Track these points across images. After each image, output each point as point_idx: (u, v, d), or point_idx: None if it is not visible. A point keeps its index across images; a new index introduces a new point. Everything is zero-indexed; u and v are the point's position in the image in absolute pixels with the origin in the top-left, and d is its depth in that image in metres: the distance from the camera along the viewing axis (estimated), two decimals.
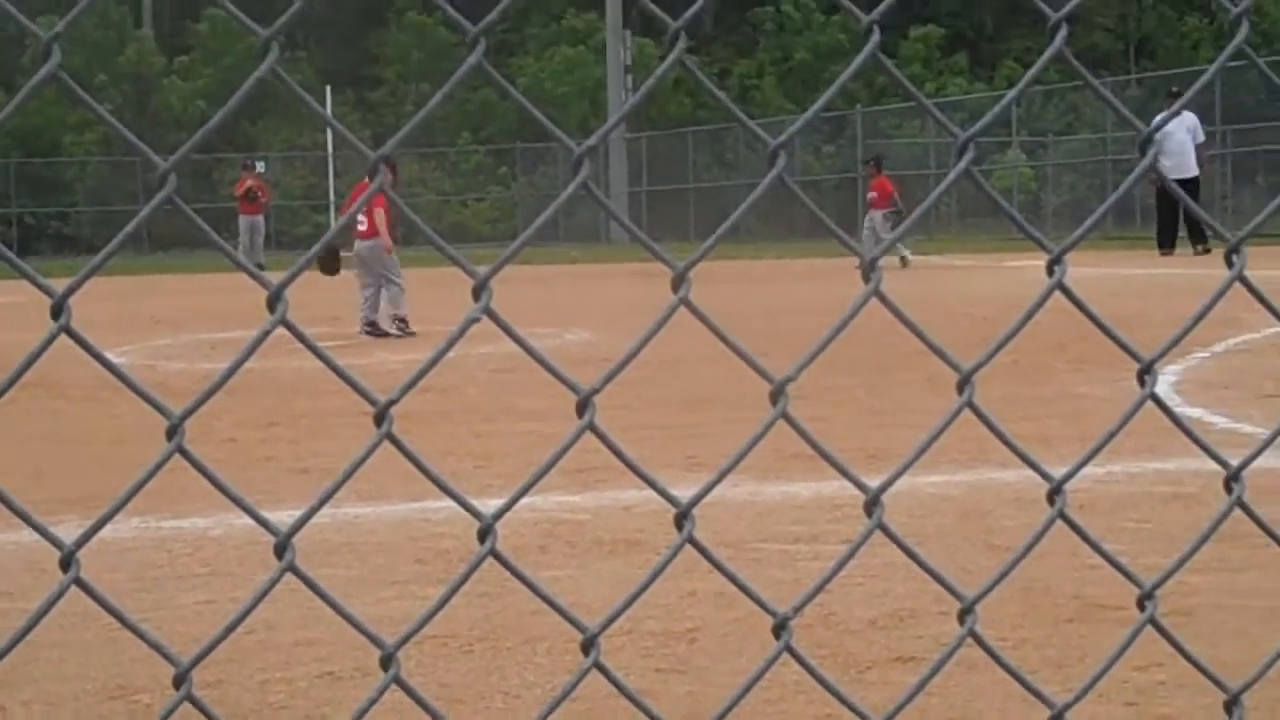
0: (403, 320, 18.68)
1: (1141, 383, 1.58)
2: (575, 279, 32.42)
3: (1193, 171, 31.49)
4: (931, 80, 59.17)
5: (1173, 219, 32.00)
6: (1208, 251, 29.05)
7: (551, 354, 1.58)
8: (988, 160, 49.89)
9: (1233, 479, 1.61)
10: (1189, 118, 31.87)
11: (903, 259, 32.20)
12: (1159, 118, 31.13)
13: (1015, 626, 5.41)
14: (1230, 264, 1.60)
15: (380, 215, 18.44)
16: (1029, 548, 1.59)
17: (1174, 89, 33.08)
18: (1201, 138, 32.39)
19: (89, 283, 1.41)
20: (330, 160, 55.75)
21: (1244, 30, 1.58)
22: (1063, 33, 1.52)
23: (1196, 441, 1.61)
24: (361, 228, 18.58)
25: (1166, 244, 32.44)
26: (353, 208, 20.25)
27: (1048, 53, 1.56)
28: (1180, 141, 31.26)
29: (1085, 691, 1.66)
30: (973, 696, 4.67)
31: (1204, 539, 1.64)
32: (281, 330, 1.39)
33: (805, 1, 60.48)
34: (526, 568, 3.22)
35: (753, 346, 1.58)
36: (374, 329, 18.69)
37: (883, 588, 5.81)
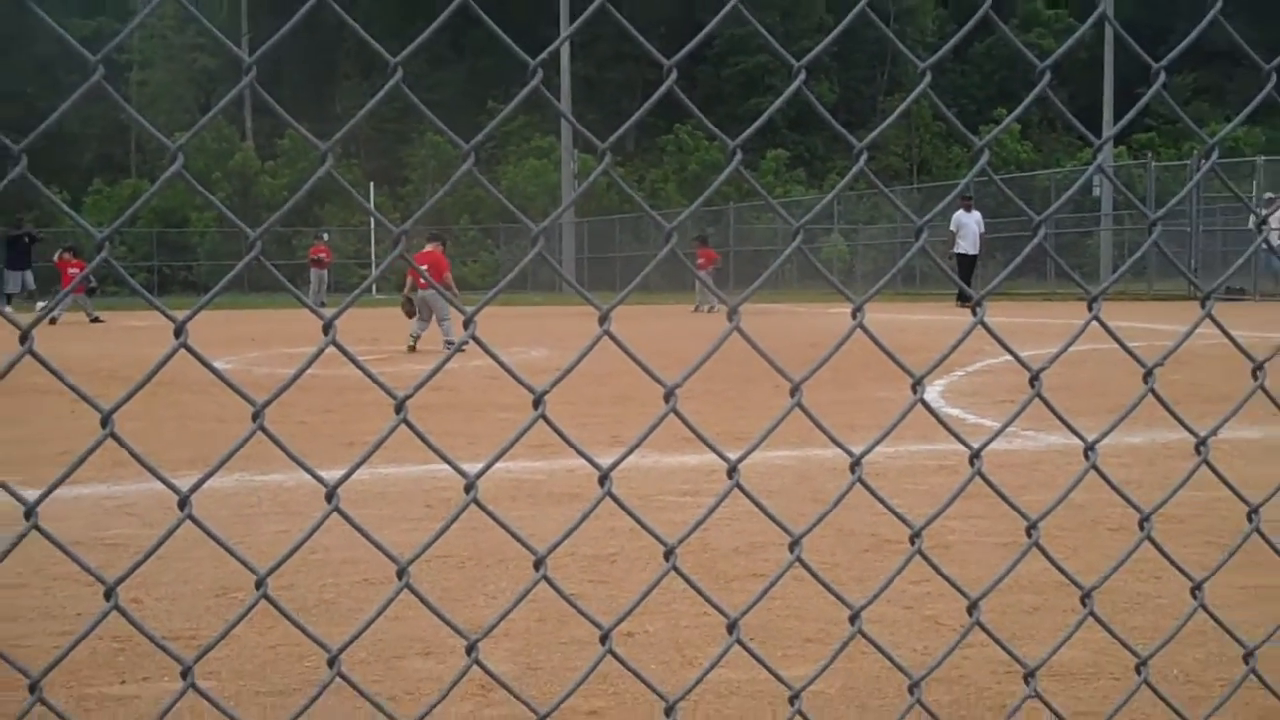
0: (450, 341, 18.74)
1: (914, 391, 1.58)
2: (538, 317, 32.32)
3: (977, 251, 32.06)
4: (780, 186, 59.41)
5: (969, 283, 32.28)
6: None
7: (519, 367, 1.58)
8: (817, 240, 50.11)
9: (975, 456, 1.62)
10: (977, 214, 32.38)
11: (710, 308, 33.03)
12: (958, 212, 31.76)
13: (830, 554, 5.44)
14: (974, 313, 1.60)
15: (437, 273, 18.58)
16: (838, 501, 1.59)
17: (968, 195, 33.30)
18: (983, 229, 32.80)
19: (206, 313, 1.41)
20: (372, 234, 56.56)
21: (985, 157, 1.59)
22: (864, 158, 1.53)
23: (950, 431, 1.61)
24: (423, 281, 18.58)
25: (965, 300, 32.61)
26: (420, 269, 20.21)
27: (853, 170, 1.57)
28: (973, 231, 31.74)
29: (875, 597, 1.66)
30: (801, 601, 4.70)
31: (955, 496, 1.65)
32: (334, 347, 1.39)
33: (695, 132, 60.61)
34: (500, 511, 3.21)
35: (654, 363, 1.58)
36: (413, 347, 18.64)
37: (742, 527, 5.84)
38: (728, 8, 1.42)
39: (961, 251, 31.66)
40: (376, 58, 1.49)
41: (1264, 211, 1.85)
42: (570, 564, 5.39)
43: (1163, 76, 1.65)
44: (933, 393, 11.69)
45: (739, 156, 1.51)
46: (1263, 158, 38.97)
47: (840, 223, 51.78)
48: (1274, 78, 1.74)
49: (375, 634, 4.39)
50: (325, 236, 49.11)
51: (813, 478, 7.35)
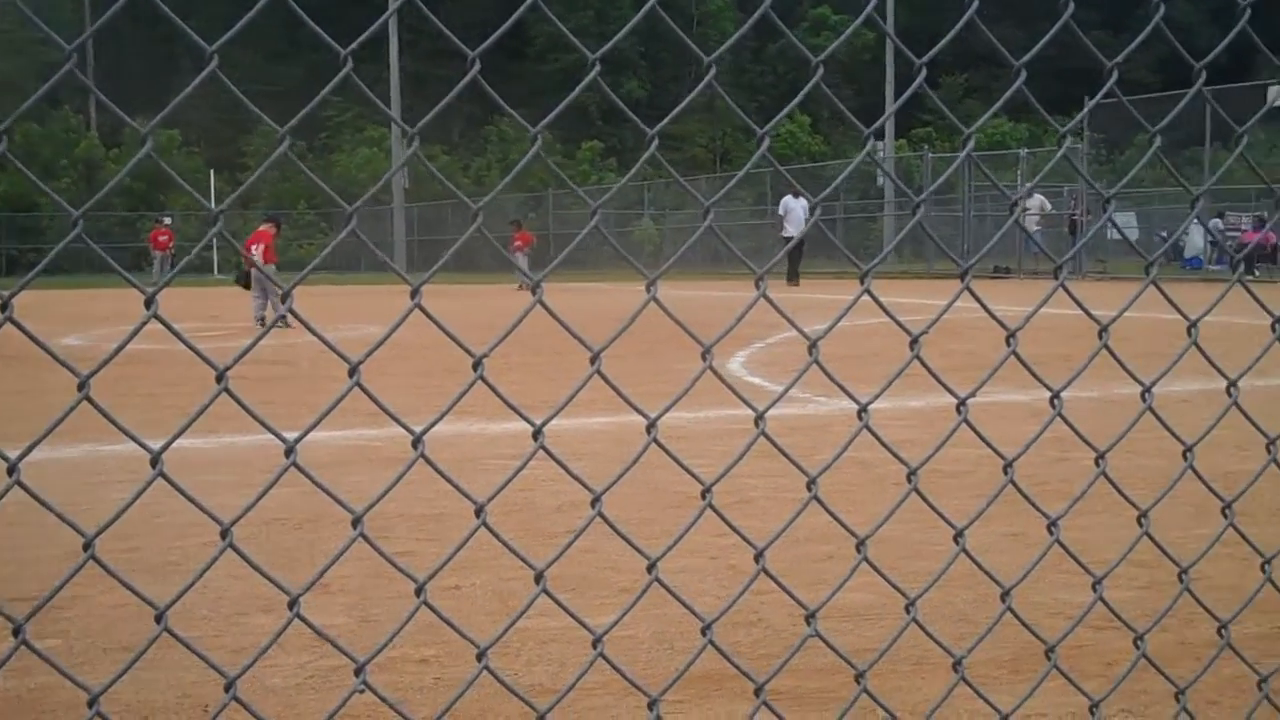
0: (283, 317, 18.41)
1: (703, 359, 1.58)
2: (373, 295, 31.87)
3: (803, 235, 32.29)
4: (595, 175, 59.48)
5: (796, 264, 32.35)
6: (798, 286, 29.69)
7: (354, 341, 1.55)
8: (630, 224, 50.38)
9: (759, 418, 1.62)
10: (804, 200, 32.48)
11: (520, 286, 32.78)
12: (786, 198, 31.95)
13: (639, 510, 5.46)
14: (757, 287, 1.60)
15: (259, 249, 18.72)
16: (635, 461, 1.59)
17: (797, 186, 33.47)
18: (809, 215, 32.93)
19: (63, 292, 1.36)
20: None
21: (765, 144, 1.59)
22: (655, 145, 1.52)
23: (739, 396, 1.62)
24: (256, 257, 18.72)
25: (793, 279, 32.65)
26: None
27: (644, 157, 1.56)
28: (799, 216, 31.91)
29: (670, 548, 1.66)
30: (618, 555, 4.71)
31: (741, 456, 1.65)
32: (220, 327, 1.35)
33: (516, 124, 60.21)
34: (338, 476, 3.20)
35: (476, 335, 1.56)
36: (262, 322, 18.47)
37: (561, 487, 5.81)
38: (526, 5, 1.40)
39: (788, 235, 31.92)
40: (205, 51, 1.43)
41: (1015, 196, 1.89)
42: (400, 524, 5.34)
43: (924, 73, 1.67)
44: (735, 363, 11.81)
45: (539, 143, 1.49)
46: (1025, 150, 40.14)
47: (650, 208, 52.07)
48: (1023, 74, 1.77)
49: (218, 593, 4.31)
50: (167, 220, 48.10)
51: (628, 441, 7.36)
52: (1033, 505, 1.84)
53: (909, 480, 1.76)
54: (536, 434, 1.50)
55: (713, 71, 1.53)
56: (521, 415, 1.49)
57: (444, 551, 4.89)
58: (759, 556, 1.66)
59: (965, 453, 5.84)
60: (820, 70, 1.61)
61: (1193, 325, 1.86)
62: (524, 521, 5.37)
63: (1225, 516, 1.96)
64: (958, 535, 1.81)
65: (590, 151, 61.57)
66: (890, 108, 1.85)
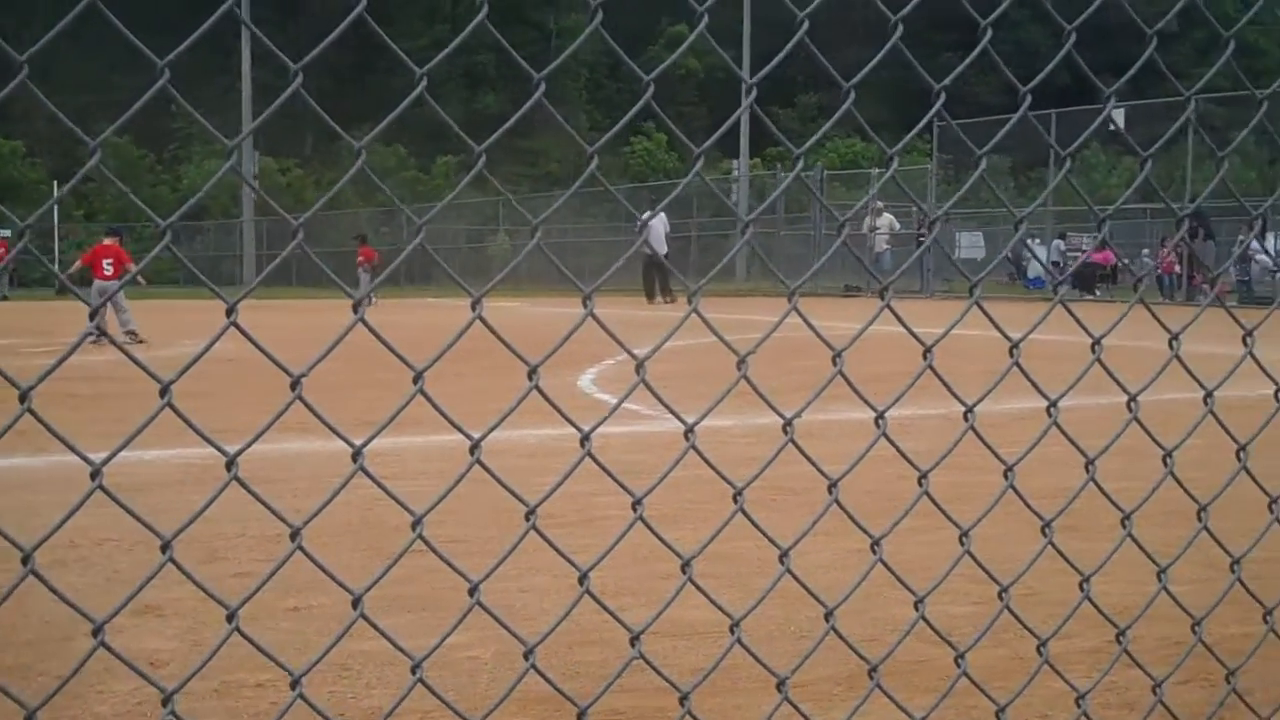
0: (132, 332, 17.95)
1: (529, 378, 1.56)
2: (219, 310, 31.22)
3: (665, 250, 32.17)
4: (449, 189, 59.12)
5: (653, 281, 32.29)
6: (673, 301, 29.64)
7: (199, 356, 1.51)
8: (485, 240, 50.27)
9: (585, 439, 1.61)
10: (663, 216, 32.49)
11: (370, 301, 32.35)
12: (645, 215, 31.82)
13: (485, 528, 5.42)
14: (584, 305, 1.60)
15: (111, 264, 18.46)
16: (457, 481, 1.57)
17: (654, 198, 33.35)
18: (668, 229, 32.86)
19: None
20: (55, 230, 53.80)
21: (594, 164, 1.58)
22: (482, 160, 1.51)
23: (563, 416, 1.61)
24: (108, 273, 18.35)
25: (651, 296, 32.60)
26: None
27: (473, 170, 1.55)
28: (659, 232, 31.95)
29: (491, 571, 1.64)
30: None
31: (566, 475, 1.64)
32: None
33: (373, 137, 59.66)
34: (181, 498, 2.98)
35: (294, 353, 1.53)
36: (103, 336, 17.98)
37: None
38: (352, 16, 1.38)
39: (648, 252, 31.94)
40: (52, 62, 1.38)
41: (843, 218, 1.91)
42: (241, 545, 5.24)
43: (754, 93, 1.68)
44: (586, 379, 11.80)
45: (363, 157, 1.47)
46: (877, 170, 40.89)
47: (505, 224, 51.97)
48: (851, 95, 1.80)
49: (44, 618, 4.19)
50: (6, 233, 46.82)
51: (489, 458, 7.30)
52: (856, 524, 1.86)
53: (734, 500, 1.76)
54: (356, 455, 1.47)
55: (541, 89, 1.52)
56: (341, 436, 1.47)
57: (282, 572, 4.81)
58: (583, 578, 1.65)
59: (808, 470, 5.90)
60: (651, 89, 1.61)
61: (1014, 346, 1.90)
62: (368, 541, 5.30)
63: (1045, 535, 2.00)
64: (783, 556, 1.83)
65: (445, 166, 61.22)
66: (721, 129, 1.86)
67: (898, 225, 36.49)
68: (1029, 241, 37.70)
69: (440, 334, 1.49)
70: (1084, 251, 31.34)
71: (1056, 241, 35.24)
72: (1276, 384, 2.23)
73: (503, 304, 29.56)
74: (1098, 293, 32.25)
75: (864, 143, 55.07)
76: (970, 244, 38.35)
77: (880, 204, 34.53)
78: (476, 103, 59.12)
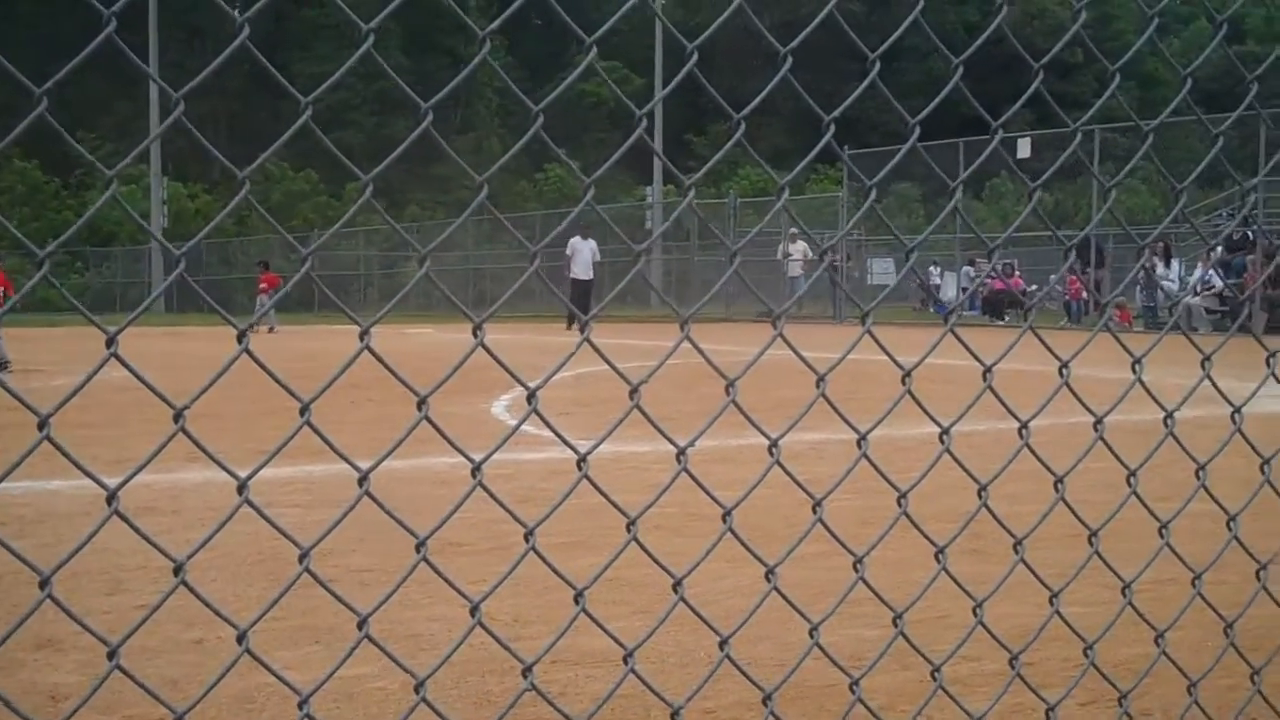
0: (4, 361, 17.58)
1: (419, 409, 1.56)
2: (125, 337, 30.85)
3: (591, 275, 32.12)
4: (361, 215, 58.61)
5: (579, 306, 32.27)
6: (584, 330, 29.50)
7: (98, 384, 1.48)
8: (397, 266, 50.05)
9: (476, 469, 1.61)
10: (593, 242, 32.42)
11: (270, 328, 32.07)
12: (574, 239, 31.89)
13: (381, 559, 5.37)
14: (474, 335, 1.59)
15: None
16: (345, 514, 1.56)
17: (586, 225, 33.27)
18: (598, 257, 32.81)
19: None
20: None
21: (484, 192, 1.59)
22: (369, 190, 1.50)
23: (452, 445, 1.60)
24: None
25: (571, 322, 32.51)
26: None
27: (362, 197, 1.54)
28: (586, 257, 31.91)
29: (380, 605, 1.63)
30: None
31: (457, 507, 1.64)
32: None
33: (280, 163, 59.23)
34: (78, 528, 2.89)
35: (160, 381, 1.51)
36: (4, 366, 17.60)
37: (265, 543, 5.67)
38: (235, 44, 1.37)
39: (575, 276, 31.88)
40: None
41: (735, 247, 1.93)
42: (142, 576, 5.17)
43: (644, 123, 1.69)
44: (499, 406, 11.76)
45: (246, 187, 1.46)
46: (787, 193, 41.14)
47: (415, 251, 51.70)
48: (742, 125, 1.81)
49: None
50: None
51: (421, 482, 7.25)
52: (750, 552, 1.87)
53: (627, 530, 1.77)
54: (241, 488, 1.46)
55: (429, 117, 1.52)
56: (225, 468, 1.45)
57: (185, 604, 4.74)
58: (475, 609, 1.65)
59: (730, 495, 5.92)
60: (540, 119, 1.62)
61: (907, 374, 1.92)
62: (276, 571, 5.25)
63: (939, 560, 2.03)
64: (676, 584, 1.83)
65: (354, 191, 60.85)
66: (616, 154, 1.87)
67: (811, 252, 36.76)
68: (932, 269, 38.14)
69: (342, 362, 1.48)
70: (991, 278, 31.72)
71: (965, 268, 35.67)
72: (1164, 409, 2.27)
73: (413, 330, 29.40)
74: (1006, 318, 32.65)
75: (776, 169, 55.35)
76: (881, 270, 38.74)
77: (794, 231, 34.78)
78: (387, 128, 58.75)
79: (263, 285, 34.96)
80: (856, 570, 1.98)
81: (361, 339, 1.50)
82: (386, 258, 52.03)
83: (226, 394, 5.96)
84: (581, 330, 1.66)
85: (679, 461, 1.77)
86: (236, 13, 1.44)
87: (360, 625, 1.52)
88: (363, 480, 1.50)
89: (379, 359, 1.50)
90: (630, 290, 41.75)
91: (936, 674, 2.05)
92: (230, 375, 1.48)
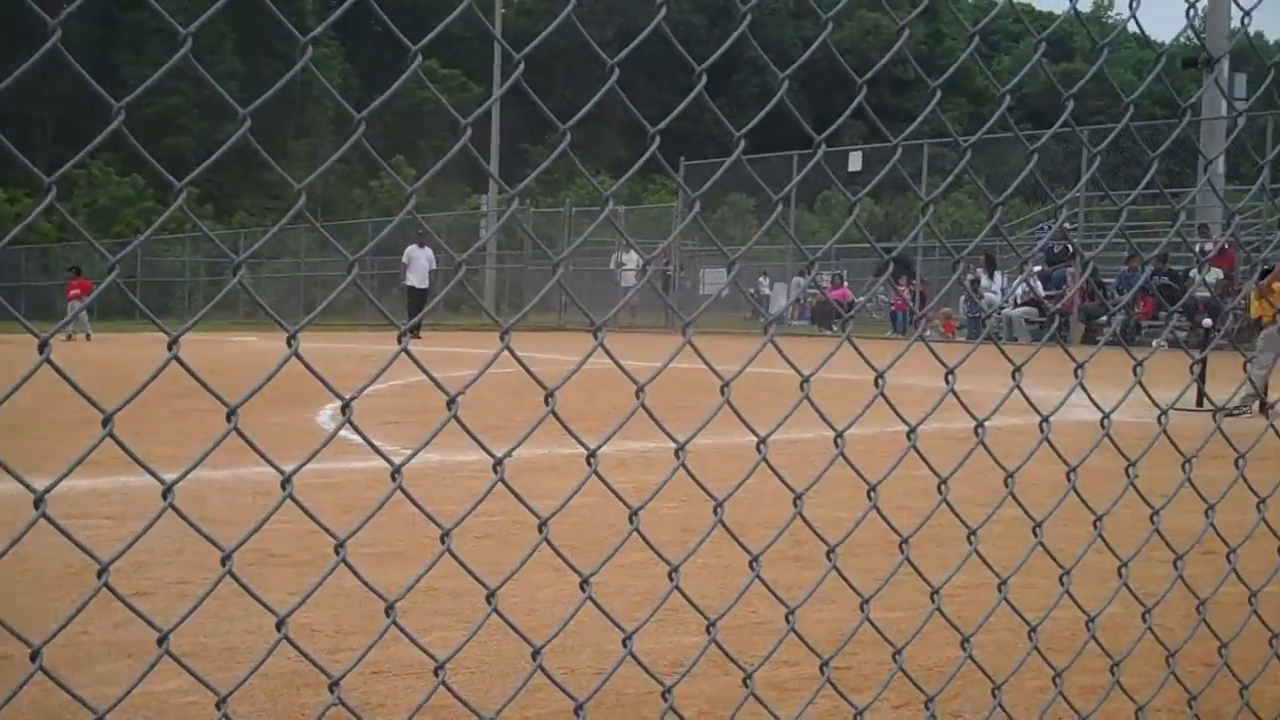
0: None
1: (228, 420, 1.53)
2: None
3: (427, 284, 31.66)
4: (189, 222, 57.55)
5: (416, 315, 31.62)
6: (418, 338, 29.21)
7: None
8: (223, 273, 49.08)
9: (285, 481, 1.59)
10: (429, 250, 31.91)
11: (86, 335, 31.20)
12: (410, 247, 31.37)
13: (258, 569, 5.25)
14: (289, 345, 1.57)
15: None
16: (148, 528, 1.52)
17: (420, 231, 32.71)
18: (434, 265, 32.33)
19: None
20: None
21: (301, 200, 1.57)
22: (183, 196, 1.48)
23: (262, 456, 1.58)
24: None
25: (415, 332, 31.99)
26: None
27: (173, 206, 1.51)
28: (423, 265, 31.51)
29: (190, 611, 1.60)
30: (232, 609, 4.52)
31: (270, 514, 1.61)
32: None
33: (105, 168, 57.73)
34: None
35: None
36: None
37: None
38: (46, 47, 1.34)
39: (410, 284, 31.45)
40: None
41: (558, 258, 1.93)
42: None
43: (468, 132, 1.69)
44: (324, 416, 11.58)
45: (53, 192, 1.42)
46: (624, 207, 41.38)
47: (252, 258, 50.82)
48: (568, 136, 1.82)
49: None
50: None
51: (240, 492, 7.10)
52: (564, 561, 1.87)
53: (441, 541, 1.76)
54: (38, 502, 1.42)
55: (247, 124, 1.50)
56: (20, 480, 1.42)
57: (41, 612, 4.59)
58: (280, 624, 1.63)
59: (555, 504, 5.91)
60: (362, 126, 1.60)
61: (725, 385, 1.95)
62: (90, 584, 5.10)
63: (752, 569, 2.05)
64: (490, 595, 1.83)
65: (188, 198, 59.42)
66: (439, 163, 1.87)
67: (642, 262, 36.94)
68: (762, 279, 38.62)
69: (162, 371, 1.45)
70: (822, 289, 32.25)
71: (796, 279, 36.20)
72: (975, 418, 2.33)
73: (237, 338, 28.84)
74: (835, 328, 33.21)
75: (612, 179, 55.56)
76: (714, 281, 39.12)
77: (629, 241, 34.95)
78: (219, 133, 57.58)
79: (74, 292, 34.03)
80: (671, 579, 1.99)
81: (170, 348, 1.47)
82: (214, 264, 50.99)
83: (48, 403, 5.78)
84: (400, 340, 1.65)
85: (495, 471, 1.77)
86: (56, 15, 1.40)
87: (160, 641, 1.49)
88: (167, 493, 1.47)
89: (187, 369, 1.47)
90: (465, 299, 41.53)
91: (749, 680, 2.08)
92: (52, 385, 1.44)
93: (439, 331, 31.65)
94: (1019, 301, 28.58)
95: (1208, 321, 17.51)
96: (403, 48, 1.66)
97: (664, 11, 1.91)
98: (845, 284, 35.11)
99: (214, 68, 60.70)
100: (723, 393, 1.95)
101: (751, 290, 32.72)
